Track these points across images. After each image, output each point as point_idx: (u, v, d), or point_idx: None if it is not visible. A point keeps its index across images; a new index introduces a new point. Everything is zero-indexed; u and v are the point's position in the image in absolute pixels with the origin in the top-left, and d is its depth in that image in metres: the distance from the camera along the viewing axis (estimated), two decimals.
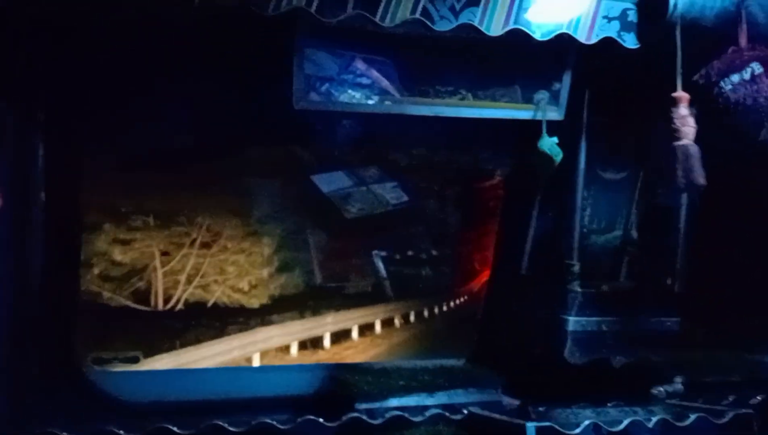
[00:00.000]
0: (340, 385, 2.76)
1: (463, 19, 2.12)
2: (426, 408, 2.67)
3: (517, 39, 2.16)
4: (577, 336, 2.64)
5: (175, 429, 2.33)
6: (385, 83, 2.46)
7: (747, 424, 2.55)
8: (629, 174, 2.86)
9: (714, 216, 2.90)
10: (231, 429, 2.37)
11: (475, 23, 2.12)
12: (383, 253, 4.32)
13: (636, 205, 2.91)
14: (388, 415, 2.56)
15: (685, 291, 2.85)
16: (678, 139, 2.11)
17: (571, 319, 2.63)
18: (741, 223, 3.27)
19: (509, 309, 3.03)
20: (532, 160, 2.41)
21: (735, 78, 2.26)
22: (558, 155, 2.30)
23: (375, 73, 2.48)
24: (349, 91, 2.49)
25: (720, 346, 3.20)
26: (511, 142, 3.03)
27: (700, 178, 2.10)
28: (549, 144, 2.29)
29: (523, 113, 2.36)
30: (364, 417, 2.53)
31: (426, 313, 3.93)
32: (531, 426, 2.28)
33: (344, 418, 2.50)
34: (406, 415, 2.57)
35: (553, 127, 2.40)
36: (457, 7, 2.11)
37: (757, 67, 2.26)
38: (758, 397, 2.97)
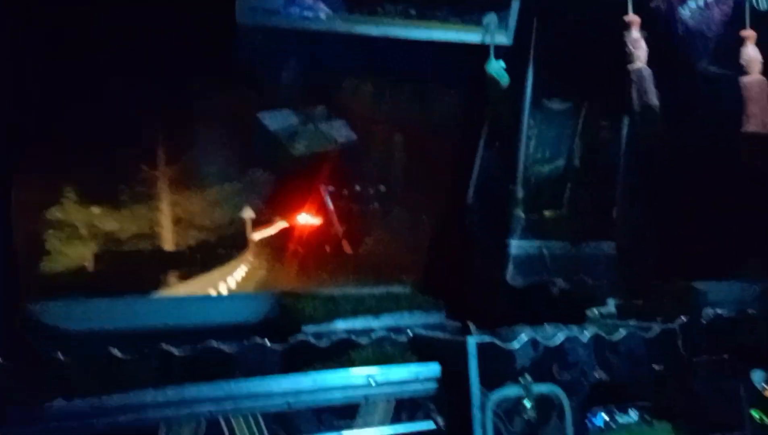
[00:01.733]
0: (287, 311, 2.78)
1: None
2: (372, 330, 2.73)
3: None
4: (519, 259, 2.73)
5: (118, 354, 2.31)
6: (329, 12, 2.40)
7: (672, 339, 2.72)
8: (573, 104, 2.92)
9: (653, 148, 3.01)
10: (177, 353, 2.35)
11: None
12: (331, 189, 4.32)
13: (579, 135, 2.98)
14: (334, 338, 2.60)
15: (621, 218, 2.96)
16: (631, 62, 2.17)
17: (514, 242, 2.71)
18: (678, 154, 3.41)
19: (454, 237, 3.10)
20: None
21: (692, 4, 2.33)
22: (504, 78, 2.31)
23: (321, 5, 2.41)
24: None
25: (652, 272, 3.38)
26: (460, 75, 3.02)
27: (654, 98, 2.17)
28: (496, 67, 2.30)
29: (471, 36, 2.35)
30: (311, 340, 2.56)
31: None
32: (472, 340, 2.36)
33: (291, 340, 2.52)
34: (353, 337, 2.62)
35: (502, 53, 2.40)
36: None
37: None
38: (683, 317, 3.18)
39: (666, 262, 3.74)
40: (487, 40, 2.32)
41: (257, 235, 3.97)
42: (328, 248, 3.86)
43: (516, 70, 2.58)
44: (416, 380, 2.46)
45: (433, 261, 3.28)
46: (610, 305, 3.16)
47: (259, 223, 4.11)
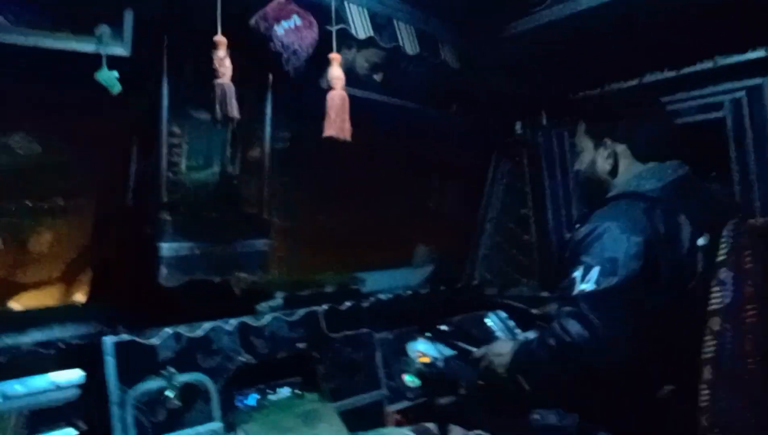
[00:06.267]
0: None
1: None
2: (16, 347, 2.62)
3: None
4: (169, 261, 2.85)
5: None
6: None
7: (314, 320, 3.10)
8: None
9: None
10: None
11: None
12: None
13: (230, 143, 3.23)
14: None
15: (274, 218, 3.28)
16: (217, 77, 2.43)
17: (164, 245, 2.83)
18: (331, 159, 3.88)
19: (115, 245, 3.12)
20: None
21: (285, 24, 2.70)
22: (114, 87, 2.42)
23: None
24: None
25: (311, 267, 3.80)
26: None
27: (234, 111, 2.46)
28: (106, 77, 2.39)
29: (87, 45, 2.41)
30: None
31: None
32: (108, 340, 2.43)
33: None
34: None
35: (120, 63, 2.48)
36: None
37: (297, 19, 2.72)
38: (348, 303, 3.62)
39: (332, 256, 4.23)
40: (102, 50, 2.41)
41: None
42: None
43: (147, 82, 2.71)
44: (54, 389, 2.44)
45: (96, 271, 3.26)
46: (278, 298, 3.46)
47: None
